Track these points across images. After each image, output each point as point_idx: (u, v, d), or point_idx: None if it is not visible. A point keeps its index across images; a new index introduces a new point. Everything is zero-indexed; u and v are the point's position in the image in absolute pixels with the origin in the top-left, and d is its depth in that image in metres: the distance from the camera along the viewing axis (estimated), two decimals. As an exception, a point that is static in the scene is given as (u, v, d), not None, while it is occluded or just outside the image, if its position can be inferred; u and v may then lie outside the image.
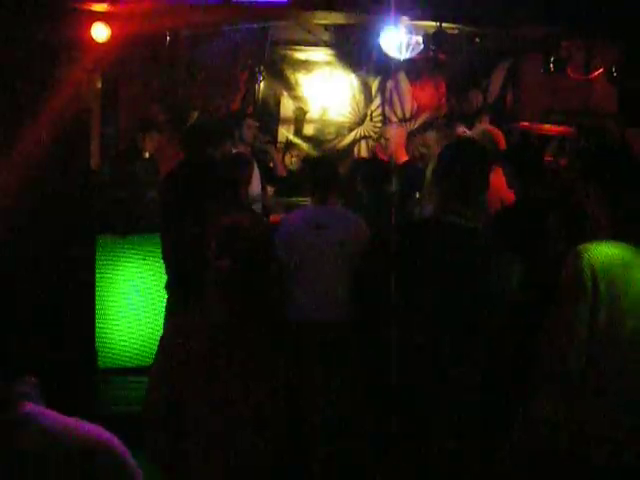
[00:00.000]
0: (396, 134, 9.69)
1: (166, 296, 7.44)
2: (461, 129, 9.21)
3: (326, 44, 11.75)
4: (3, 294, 1.90)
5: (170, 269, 7.27)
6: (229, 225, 3.27)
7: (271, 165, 10.59)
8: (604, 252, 3.54)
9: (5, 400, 1.83)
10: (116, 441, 1.91)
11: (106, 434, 1.91)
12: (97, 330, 7.62)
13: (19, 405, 1.84)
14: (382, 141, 10.06)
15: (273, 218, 8.35)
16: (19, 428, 1.82)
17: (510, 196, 6.60)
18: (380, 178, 7.59)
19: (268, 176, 9.71)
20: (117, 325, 8.16)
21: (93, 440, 1.87)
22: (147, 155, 9.84)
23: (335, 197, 6.62)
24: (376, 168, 7.82)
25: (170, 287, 7.27)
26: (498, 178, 5.68)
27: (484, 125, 8.50)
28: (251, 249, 3.21)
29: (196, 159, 7.34)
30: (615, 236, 3.63)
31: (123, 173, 9.55)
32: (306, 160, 11.60)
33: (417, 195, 7.62)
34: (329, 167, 6.78)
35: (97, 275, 7.53)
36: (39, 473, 1.80)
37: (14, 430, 1.81)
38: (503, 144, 7.38)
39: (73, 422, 1.90)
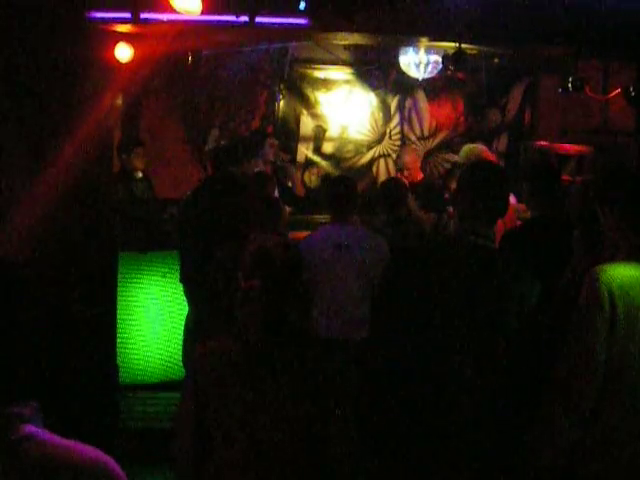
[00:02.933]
0: (411, 154, 9.80)
1: (187, 310, 7.48)
2: (450, 154, 9.28)
3: (345, 63, 11.81)
4: (26, 311, 1.93)
5: (193, 287, 7.29)
6: (258, 247, 3.30)
7: (290, 184, 10.64)
8: (621, 273, 3.55)
9: (3, 422, 1.85)
10: (114, 465, 1.93)
11: (105, 457, 1.92)
12: (118, 346, 7.67)
13: (17, 427, 1.86)
14: (398, 161, 10.14)
15: (292, 235, 8.41)
16: (17, 450, 1.83)
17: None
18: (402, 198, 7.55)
19: (286, 195, 9.75)
20: (138, 341, 8.19)
21: (91, 463, 1.89)
22: (140, 175, 9.71)
23: (354, 216, 6.64)
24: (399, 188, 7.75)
25: (194, 304, 7.29)
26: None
27: (473, 144, 8.53)
28: (280, 271, 3.25)
29: (220, 177, 7.39)
30: (633, 257, 3.65)
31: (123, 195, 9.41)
32: (325, 178, 11.66)
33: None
34: (349, 186, 6.77)
35: (119, 291, 7.58)
36: None
37: (12, 452, 1.83)
38: (492, 159, 7.43)
39: (72, 445, 1.91)
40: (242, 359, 3.32)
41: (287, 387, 3.28)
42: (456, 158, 9.06)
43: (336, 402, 3.40)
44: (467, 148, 7.98)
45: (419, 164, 9.92)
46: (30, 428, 1.88)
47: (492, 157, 7.59)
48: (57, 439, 1.91)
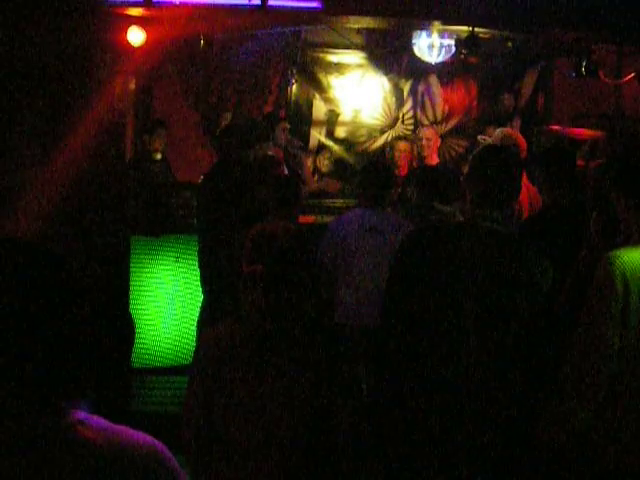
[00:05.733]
0: (431, 136, 9.76)
1: (200, 296, 7.49)
2: (480, 136, 9.20)
3: (358, 47, 11.75)
4: (39, 293, 1.89)
5: (206, 272, 7.31)
6: (260, 232, 3.30)
7: (300, 172, 10.62)
8: (635, 258, 3.54)
9: (57, 406, 1.86)
10: (165, 449, 1.95)
11: (155, 442, 1.94)
12: (131, 330, 7.69)
13: (70, 412, 1.87)
14: (418, 142, 10.07)
15: (302, 219, 8.40)
16: (71, 434, 1.84)
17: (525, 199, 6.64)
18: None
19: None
20: (151, 325, 8.21)
21: (144, 449, 1.90)
22: (159, 156, 9.83)
23: (387, 201, 6.64)
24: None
25: (207, 290, 7.31)
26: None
27: (505, 129, 8.47)
28: (284, 256, 3.24)
29: (233, 161, 7.38)
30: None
31: (140, 177, 9.52)
32: (339, 162, 11.67)
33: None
34: (386, 171, 6.76)
35: (131, 275, 7.59)
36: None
37: (66, 436, 1.84)
38: (524, 147, 7.39)
39: (124, 430, 1.92)
40: (247, 344, 3.33)
41: (292, 372, 3.29)
42: (487, 139, 8.97)
43: (344, 388, 3.39)
44: (500, 133, 7.90)
45: (438, 144, 9.89)
46: (81, 414, 1.89)
47: (523, 142, 7.51)
48: (109, 424, 1.92)
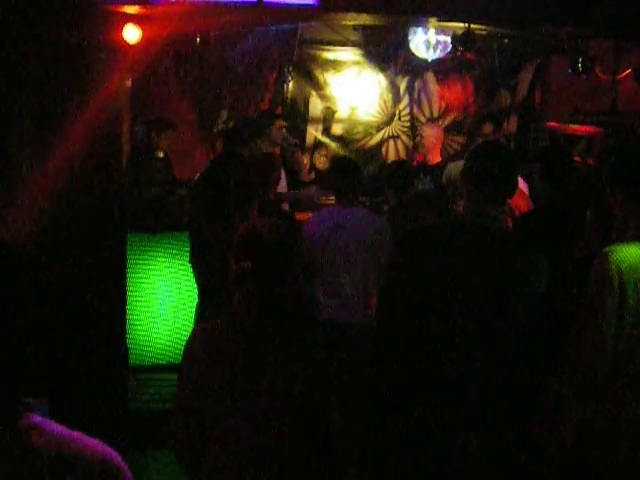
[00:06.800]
0: (432, 133, 9.72)
1: (196, 293, 7.50)
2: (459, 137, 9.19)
3: (354, 44, 11.73)
4: (36, 292, 1.91)
5: (199, 270, 7.31)
6: (248, 230, 3.32)
7: (297, 169, 10.63)
8: (631, 253, 3.55)
9: (9, 411, 1.84)
10: (117, 457, 1.93)
11: (108, 450, 1.92)
12: (128, 328, 7.67)
13: (23, 416, 1.85)
14: (417, 139, 10.04)
15: (299, 216, 8.40)
16: (23, 439, 1.82)
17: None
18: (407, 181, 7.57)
19: (293, 179, 9.73)
20: (148, 323, 8.21)
21: (95, 455, 1.88)
22: (161, 154, 9.85)
23: (358, 197, 6.65)
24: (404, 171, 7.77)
25: (199, 289, 7.32)
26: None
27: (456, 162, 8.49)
28: (272, 253, 3.26)
29: (228, 159, 7.38)
30: (642, 237, 3.64)
31: (139, 174, 9.54)
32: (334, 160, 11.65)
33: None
34: (351, 168, 6.77)
35: (128, 273, 7.58)
36: None
37: (18, 441, 1.82)
38: None
39: (78, 436, 1.90)
40: (237, 341, 3.33)
41: (283, 369, 3.29)
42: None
43: (333, 384, 3.41)
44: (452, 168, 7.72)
45: (439, 144, 9.86)
46: (36, 418, 1.88)
47: None
48: (63, 430, 1.91)
